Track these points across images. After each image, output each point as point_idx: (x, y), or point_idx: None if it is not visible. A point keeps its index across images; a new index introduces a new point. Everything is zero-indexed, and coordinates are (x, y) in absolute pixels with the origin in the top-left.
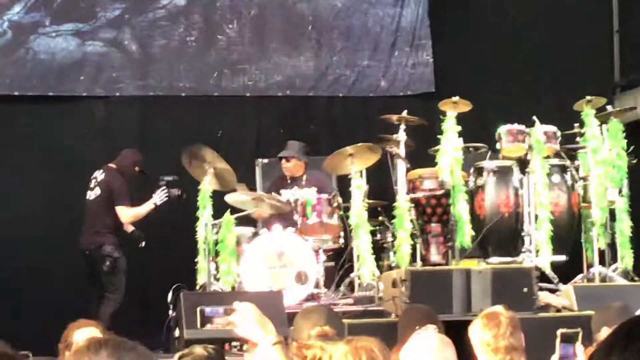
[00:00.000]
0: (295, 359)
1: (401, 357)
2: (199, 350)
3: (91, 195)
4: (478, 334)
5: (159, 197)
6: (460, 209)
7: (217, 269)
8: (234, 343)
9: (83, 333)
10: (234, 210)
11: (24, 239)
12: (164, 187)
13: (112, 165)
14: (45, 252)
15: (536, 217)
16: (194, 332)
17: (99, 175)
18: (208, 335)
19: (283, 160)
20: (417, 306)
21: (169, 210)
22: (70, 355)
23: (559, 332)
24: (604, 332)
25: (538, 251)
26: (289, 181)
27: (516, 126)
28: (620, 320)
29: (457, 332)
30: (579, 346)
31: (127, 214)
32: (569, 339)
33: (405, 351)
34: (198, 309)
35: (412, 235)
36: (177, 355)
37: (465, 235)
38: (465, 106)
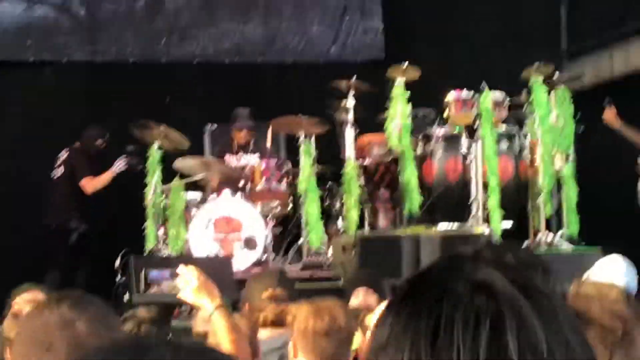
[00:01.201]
0: (245, 321)
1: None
2: (142, 312)
3: (56, 174)
4: None
5: (117, 166)
6: (408, 175)
7: (165, 234)
8: (183, 307)
9: (27, 297)
10: (183, 175)
11: None
12: (124, 157)
13: (76, 144)
14: None
15: (486, 184)
16: (142, 296)
17: (63, 154)
18: (156, 299)
19: (235, 130)
20: (363, 271)
21: (118, 175)
22: (29, 311)
23: None
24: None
25: (486, 218)
26: (236, 147)
27: (464, 93)
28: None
29: None
30: None
31: (90, 185)
32: None
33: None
34: (142, 272)
35: (361, 202)
36: (121, 318)
37: (413, 201)
38: (414, 73)
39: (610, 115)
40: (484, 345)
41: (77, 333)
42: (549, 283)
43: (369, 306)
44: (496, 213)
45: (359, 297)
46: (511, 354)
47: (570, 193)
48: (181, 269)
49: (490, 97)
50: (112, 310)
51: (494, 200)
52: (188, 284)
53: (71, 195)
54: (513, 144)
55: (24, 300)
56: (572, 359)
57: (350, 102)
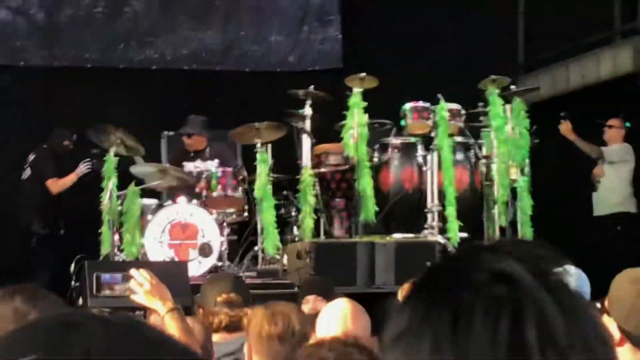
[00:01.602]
0: (199, 325)
1: (317, 326)
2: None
3: (24, 175)
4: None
5: (80, 169)
6: (364, 184)
7: (121, 239)
8: (138, 312)
9: None
10: (139, 181)
11: None
12: (88, 160)
13: (44, 145)
14: None
15: (442, 193)
16: (96, 299)
17: (31, 156)
18: (110, 303)
19: (184, 137)
20: (315, 277)
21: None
22: None
23: None
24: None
25: (441, 227)
26: (192, 154)
27: (421, 103)
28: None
29: (360, 304)
30: None
31: (55, 185)
32: None
33: (320, 319)
34: (94, 275)
35: (316, 210)
36: None
37: (369, 210)
38: (372, 82)
39: (565, 127)
40: (504, 333)
41: None
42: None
43: (319, 313)
44: (454, 223)
45: (309, 304)
46: (531, 344)
47: (525, 204)
48: (134, 272)
49: (447, 107)
50: (64, 302)
51: (451, 210)
52: (141, 287)
53: (36, 197)
54: (469, 154)
55: None
56: (590, 354)
57: (307, 110)
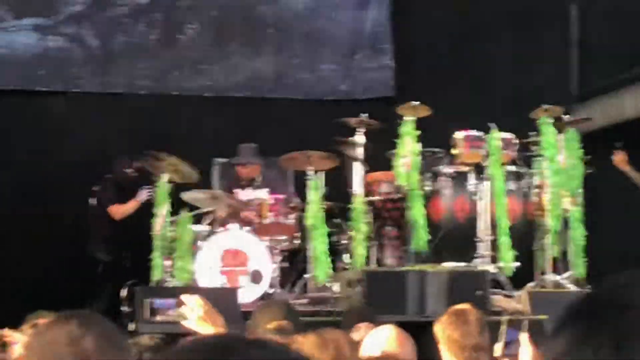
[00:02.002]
0: None
1: (362, 350)
2: (144, 339)
3: (90, 204)
4: (445, 330)
5: (141, 196)
6: (416, 212)
7: (172, 265)
8: (188, 338)
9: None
10: (191, 208)
11: None
12: (148, 187)
13: (108, 175)
14: None
15: (494, 223)
16: (147, 324)
17: (96, 187)
18: (160, 328)
19: (238, 167)
20: (356, 307)
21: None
22: (38, 328)
23: (504, 318)
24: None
25: (493, 257)
26: (243, 182)
27: (473, 132)
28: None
29: (410, 334)
30: (523, 334)
31: (118, 212)
32: (514, 326)
33: (365, 342)
34: (148, 301)
35: (368, 239)
36: None
37: (421, 239)
38: (424, 111)
39: (620, 158)
40: None
41: (84, 349)
42: None
43: None
44: (508, 253)
45: (361, 332)
46: None
47: (577, 235)
48: (186, 297)
49: (500, 136)
50: (118, 329)
51: (505, 240)
52: (193, 313)
53: (101, 225)
54: (521, 184)
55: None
56: None
57: (359, 138)
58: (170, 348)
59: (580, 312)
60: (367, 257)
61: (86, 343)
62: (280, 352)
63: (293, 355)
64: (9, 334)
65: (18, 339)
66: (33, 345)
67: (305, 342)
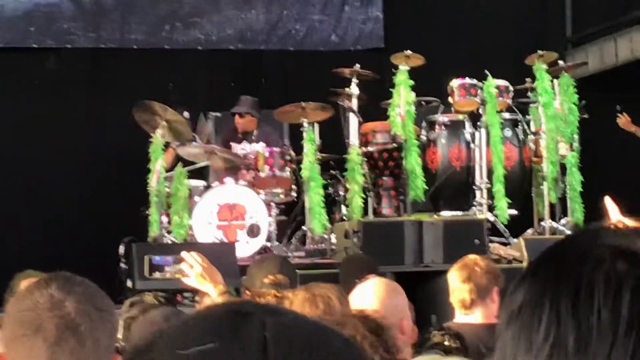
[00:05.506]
0: None
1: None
2: (149, 297)
3: None
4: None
5: None
6: (412, 162)
7: (169, 221)
8: (186, 294)
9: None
10: (186, 162)
11: None
12: None
13: None
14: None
15: (490, 171)
16: (145, 282)
17: None
18: (159, 285)
19: (237, 116)
20: (356, 256)
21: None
22: (18, 293)
23: None
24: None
25: (490, 205)
26: (239, 135)
27: (468, 80)
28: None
29: (408, 283)
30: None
31: None
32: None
33: (352, 297)
34: (146, 257)
35: (364, 189)
36: (127, 302)
37: (417, 188)
38: (417, 60)
39: (624, 121)
40: (624, 309)
41: (66, 313)
42: None
43: None
44: (502, 200)
45: None
46: None
47: (574, 180)
48: (185, 254)
49: (495, 84)
50: (101, 289)
51: (499, 188)
52: (192, 270)
53: None
54: (517, 131)
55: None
56: None
57: (353, 89)
58: (182, 315)
59: (538, 266)
60: (364, 208)
61: (68, 307)
62: (297, 318)
63: (310, 322)
64: None
65: None
66: (13, 312)
67: (295, 298)
